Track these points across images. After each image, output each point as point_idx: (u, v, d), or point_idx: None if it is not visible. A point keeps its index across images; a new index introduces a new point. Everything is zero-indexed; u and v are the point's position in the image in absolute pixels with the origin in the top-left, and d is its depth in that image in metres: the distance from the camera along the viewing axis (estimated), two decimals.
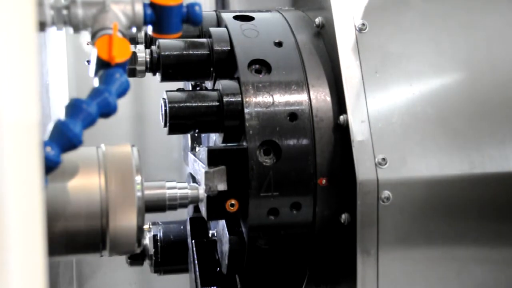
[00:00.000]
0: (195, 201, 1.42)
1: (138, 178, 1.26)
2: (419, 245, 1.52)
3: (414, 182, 1.49)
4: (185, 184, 1.41)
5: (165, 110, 1.55)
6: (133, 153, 1.28)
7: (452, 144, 1.52)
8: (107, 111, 1.15)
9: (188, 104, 1.55)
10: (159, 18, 1.26)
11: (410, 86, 1.55)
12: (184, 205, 1.41)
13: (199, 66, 1.62)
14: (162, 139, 2.67)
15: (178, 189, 1.39)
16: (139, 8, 1.24)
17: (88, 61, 1.45)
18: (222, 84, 1.55)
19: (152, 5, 1.25)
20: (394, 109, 1.52)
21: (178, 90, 1.79)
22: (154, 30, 1.28)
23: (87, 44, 1.84)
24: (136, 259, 1.92)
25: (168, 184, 1.39)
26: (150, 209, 1.33)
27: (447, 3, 1.66)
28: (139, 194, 1.25)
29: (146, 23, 1.26)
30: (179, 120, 1.56)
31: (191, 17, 1.29)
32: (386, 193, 1.47)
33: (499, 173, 1.52)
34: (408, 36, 1.60)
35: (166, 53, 1.60)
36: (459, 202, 1.51)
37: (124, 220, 1.23)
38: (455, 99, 1.56)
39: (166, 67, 1.60)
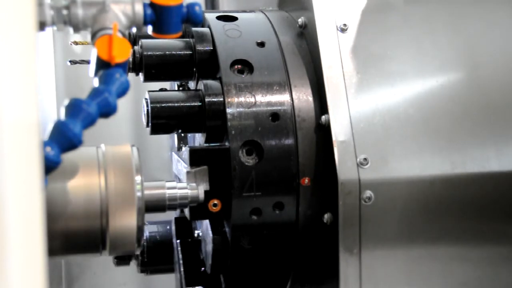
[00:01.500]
0: (195, 201, 1.42)
1: (138, 178, 1.26)
2: (401, 244, 1.53)
3: (396, 182, 1.50)
4: (185, 184, 1.42)
5: (147, 110, 1.55)
6: (133, 153, 1.28)
7: (433, 144, 1.53)
8: (107, 111, 1.15)
9: (170, 104, 1.55)
10: (159, 18, 1.26)
11: (392, 87, 1.55)
12: (184, 205, 1.41)
13: (182, 66, 1.62)
14: (162, 139, 2.67)
15: (178, 189, 1.40)
16: (139, 8, 1.24)
17: (71, 62, 1.45)
18: (204, 84, 1.56)
19: (152, 5, 1.26)
20: (376, 110, 1.53)
21: (161, 90, 1.80)
22: (154, 30, 1.28)
23: (71, 44, 1.85)
24: (122, 259, 1.92)
25: (168, 184, 1.39)
26: (150, 209, 1.34)
27: (429, 4, 1.66)
28: (139, 194, 1.25)
29: (146, 23, 1.26)
30: (161, 120, 1.56)
31: (191, 17, 1.29)
32: (368, 193, 1.47)
33: (480, 173, 1.52)
34: (390, 37, 1.60)
35: (149, 53, 1.60)
36: (441, 202, 1.52)
37: (124, 220, 1.24)
38: (437, 100, 1.56)
39: (149, 67, 1.60)
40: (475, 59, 1.61)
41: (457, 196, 1.52)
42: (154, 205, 1.36)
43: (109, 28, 1.20)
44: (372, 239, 1.50)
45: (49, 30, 1.22)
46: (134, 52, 1.61)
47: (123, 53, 1.19)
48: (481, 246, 1.56)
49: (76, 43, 1.85)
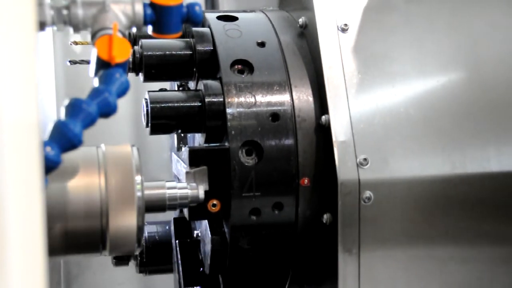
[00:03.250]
0: (195, 201, 1.42)
1: (138, 178, 1.26)
2: (400, 244, 1.53)
3: (396, 182, 1.49)
4: (185, 184, 1.42)
5: (147, 110, 1.55)
6: (133, 153, 1.28)
7: (433, 144, 1.52)
8: (107, 111, 1.15)
9: (170, 105, 1.55)
10: (159, 18, 1.26)
11: (392, 87, 1.55)
12: (184, 205, 1.41)
13: (182, 66, 1.62)
14: (162, 139, 2.67)
15: (178, 189, 1.40)
16: (139, 8, 1.24)
17: (70, 62, 1.45)
18: (204, 84, 1.55)
19: (152, 5, 1.25)
20: (376, 110, 1.53)
21: (161, 90, 1.79)
22: (154, 30, 1.28)
23: (70, 44, 1.84)
24: (121, 259, 1.91)
25: (168, 184, 1.39)
26: (150, 209, 1.33)
27: (431, 4, 1.66)
28: (139, 194, 1.25)
29: (146, 23, 1.26)
30: (161, 120, 1.56)
31: (191, 17, 1.29)
32: (367, 193, 1.47)
33: (480, 174, 1.52)
34: (391, 37, 1.60)
35: (149, 53, 1.60)
36: (440, 202, 1.52)
37: (124, 220, 1.24)
38: (438, 100, 1.56)
39: (149, 67, 1.60)
40: (476, 59, 1.61)
41: (457, 196, 1.52)
42: (154, 205, 1.36)
43: (109, 28, 1.20)
44: (371, 239, 1.50)
45: (49, 30, 1.22)
46: (134, 52, 1.61)
47: (123, 53, 1.19)
48: (481, 246, 1.56)
49: (76, 43, 1.85)
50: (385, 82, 1.56)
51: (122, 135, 2.78)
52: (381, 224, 1.50)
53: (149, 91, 1.58)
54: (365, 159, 1.48)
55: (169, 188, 1.38)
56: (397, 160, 1.50)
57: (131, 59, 1.61)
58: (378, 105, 1.53)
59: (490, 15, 1.68)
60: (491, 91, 1.59)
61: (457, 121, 1.55)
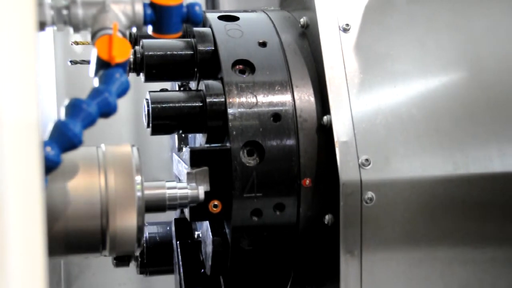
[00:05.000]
0: (195, 201, 1.41)
1: (138, 178, 1.26)
2: (402, 245, 1.52)
3: (398, 182, 1.49)
4: (185, 184, 1.41)
5: (148, 110, 1.55)
6: (133, 153, 1.28)
7: (436, 145, 1.52)
8: (107, 111, 1.15)
9: (171, 105, 1.55)
10: (159, 18, 1.26)
11: (394, 87, 1.55)
12: (184, 205, 1.41)
13: (183, 66, 1.61)
14: (162, 139, 2.66)
15: (178, 189, 1.39)
16: (139, 8, 1.24)
17: (71, 62, 1.45)
18: (205, 84, 1.55)
19: (152, 5, 1.25)
20: (378, 110, 1.52)
21: (162, 90, 1.79)
22: (154, 30, 1.28)
23: (71, 44, 1.84)
24: (122, 260, 1.90)
25: (168, 184, 1.39)
26: (150, 209, 1.33)
27: (432, 4, 1.66)
28: (139, 194, 1.25)
29: (146, 23, 1.26)
30: (162, 120, 1.55)
31: (191, 17, 1.29)
32: (369, 194, 1.47)
33: (482, 174, 1.51)
34: (393, 36, 1.60)
35: (150, 53, 1.59)
36: (443, 202, 1.51)
37: (124, 220, 1.23)
38: (440, 100, 1.56)
39: (150, 67, 1.60)
40: (478, 59, 1.60)
41: (459, 197, 1.52)
42: (154, 205, 1.36)
43: (109, 28, 1.20)
44: (373, 240, 1.49)
45: (49, 30, 1.22)
46: (135, 52, 1.61)
47: (123, 53, 1.18)
48: (483, 247, 1.55)
49: (76, 43, 1.84)
50: (387, 82, 1.55)
51: (122, 135, 2.78)
52: (383, 225, 1.49)
53: (150, 91, 1.58)
54: (367, 160, 1.47)
55: (169, 188, 1.38)
56: (399, 161, 1.49)
57: (132, 59, 1.61)
58: (380, 105, 1.53)
59: (492, 14, 1.67)
60: (493, 90, 1.59)
61: (459, 121, 1.55)
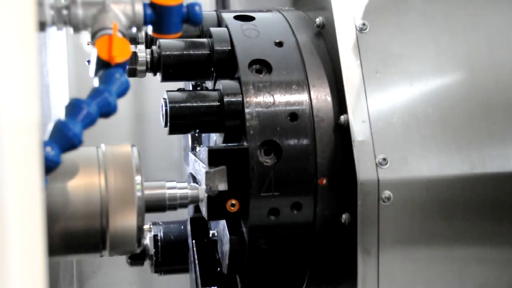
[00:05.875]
0: (195, 201, 1.42)
1: (138, 178, 1.26)
2: (419, 245, 1.52)
3: (415, 182, 1.49)
4: (185, 184, 1.41)
5: (166, 110, 1.55)
6: (133, 153, 1.28)
7: (452, 144, 1.52)
8: (107, 111, 1.15)
9: (188, 104, 1.55)
10: (159, 18, 1.26)
11: (410, 86, 1.55)
12: (184, 205, 1.41)
13: (200, 66, 1.62)
14: (162, 139, 2.67)
15: (178, 189, 1.39)
16: (139, 8, 1.24)
17: (89, 61, 1.45)
18: (222, 84, 1.55)
19: (152, 5, 1.25)
20: (395, 109, 1.52)
21: (179, 90, 1.79)
22: (154, 30, 1.28)
23: (88, 44, 1.84)
24: (136, 259, 1.92)
25: (168, 184, 1.39)
26: (150, 209, 1.33)
27: (448, 3, 1.66)
28: (139, 194, 1.25)
29: (146, 23, 1.26)
30: (179, 120, 1.56)
31: (191, 17, 1.29)
32: (386, 193, 1.47)
33: (499, 173, 1.51)
34: (409, 36, 1.60)
35: (167, 53, 1.59)
36: (460, 202, 1.51)
37: (124, 220, 1.24)
38: (456, 99, 1.56)
39: (167, 67, 1.60)
40: (494, 58, 1.60)
41: (476, 196, 1.52)
42: (154, 205, 1.36)
43: (109, 28, 1.20)
44: (390, 239, 1.49)
45: (63, 30, 1.23)
46: (152, 52, 1.61)
47: (123, 53, 1.18)
48: (500, 247, 1.55)
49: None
50: (403, 81, 1.55)
51: (122, 135, 2.78)
52: (400, 224, 1.49)
53: (167, 91, 1.58)
54: (384, 159, 1.48)
55: (169, 188, 1.38)
56: (416, 160, 1.49)
57: (149, 59, 1.61)
58: (397, 104, 1.53)
59: (507, 14, 1.67)
60: (509, 89, 1.59)
61: (475, 120, 1.55)
